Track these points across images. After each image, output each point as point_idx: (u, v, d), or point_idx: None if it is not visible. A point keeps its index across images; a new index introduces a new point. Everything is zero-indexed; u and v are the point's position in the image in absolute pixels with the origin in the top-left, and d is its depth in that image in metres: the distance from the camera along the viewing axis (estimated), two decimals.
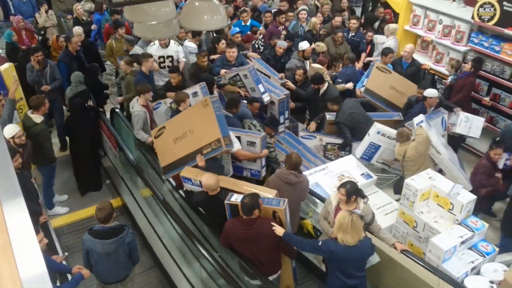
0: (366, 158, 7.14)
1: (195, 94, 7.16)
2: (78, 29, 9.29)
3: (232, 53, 8.06)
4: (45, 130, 6.83)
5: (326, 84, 7.86)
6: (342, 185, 5.07)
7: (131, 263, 5.19)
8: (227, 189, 5.31)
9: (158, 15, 4.61)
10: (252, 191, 5.10)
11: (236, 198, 4.90)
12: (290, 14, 10.29)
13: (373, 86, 8.23)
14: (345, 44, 9.49)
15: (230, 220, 5.00)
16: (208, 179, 5.27)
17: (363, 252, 4.57)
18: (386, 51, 8.68)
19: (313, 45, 9.11)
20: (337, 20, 9.96)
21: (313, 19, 9.93)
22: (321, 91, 7.87)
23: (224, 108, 6.64)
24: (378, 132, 7.01)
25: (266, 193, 5.22)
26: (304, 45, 8.64)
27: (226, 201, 4.97)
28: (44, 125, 6.76)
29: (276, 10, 10.77)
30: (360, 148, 7.19)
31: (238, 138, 6.18)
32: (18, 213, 2.11)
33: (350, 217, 4.40)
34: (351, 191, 4.97)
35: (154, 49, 8.48)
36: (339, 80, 8.53)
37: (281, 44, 8.84)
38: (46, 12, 11.31)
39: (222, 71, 7.92)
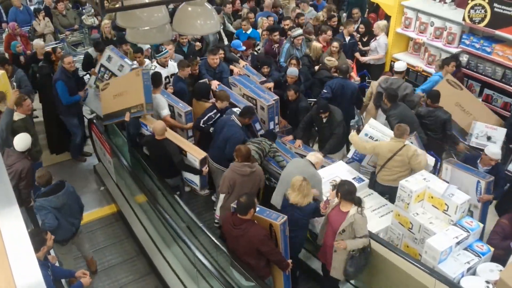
0: (357, 159, 6.98)
1: (109, 58, 7.97)
2: (39, 41, 9.27)
3: (216, 59, 8.01)
4: (22, 128, 6.74)
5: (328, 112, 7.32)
6: (340, 181, 5.23)
7: (80, 210, 5.95)
8: (170, 141, 6.43)
9: (151, 21, 4.61)
10: (185, 144, 6.54)
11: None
12: (275, 34, 9.55)
13: None
14: (342, 55, 9.12)
15: (228, 213, 5.22)
16: (157, 125, 6.39)
17: (303, 214, 5.23)
18: (448, 61, 8.15)
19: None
20: (329, 34, 9.53)
21: (316, 44, 9.06)
22: (324, 119, 7.27)
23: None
24: (366, 135, 6.71)
25: (197, 153, 6.37)
26: (402, 66, 8.10)
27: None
28: (21, 123, 6.78)
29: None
30: (351, 149, 7.08)
31: (172, 107, 7.35)
32: (13, 220, 2.10)
33: (300, 181, 5.15)
34: (339, 189, 5.03)
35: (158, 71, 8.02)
36: (324, 90, 7.92)
37: (291, 73, 8.00)
38: (44, 18, 11.27)
39: (215, 84, 7.84)
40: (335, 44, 8.93)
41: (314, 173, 5.73)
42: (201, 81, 7.91)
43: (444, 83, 7.77)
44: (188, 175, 6.74)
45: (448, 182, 5.76)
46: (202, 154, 6.42)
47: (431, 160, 6.48)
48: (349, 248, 4.99)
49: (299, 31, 9.28)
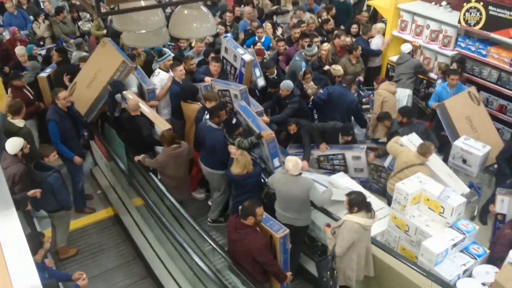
0: (391, 169, 6.76)
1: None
2: (20, 49, 8.97)
3: (218, 67, 7.97)
4: (29, 133, 6.92)
5: None
6: (348, 194, 5.10)
7: (56, 202, 6.15)
8: (143, 116, 7.00)
9: (147, 24, 4.62)
10: (152, 115, 7.10)
11: None
12: (316, 39, 9.44)
13: (450, 106, 7.56)
14: (360, 61, 9.29)
15: (233, 216, 5.23)
16: (130, 101, 6.99)
17: (248, 180, 5.92)
18: (449, 72, 8.03)
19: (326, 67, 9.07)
20: (342, 39, 9.51)
21: (325, 45, 9.29)
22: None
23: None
24: (401, 146, 6.54)
25: (162, 125, 6.93)
26: (408, 47, 9.04)
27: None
28: (27, 128, 6.88)
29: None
30: (388, 158, 6.97)
31: (140, 85, 7.76)
32: (11, 225, 2.11)
33: (239, 153, 5.89)
34: (354, 202, 4.95)
35: (162, 76, 7.95)
36: (321, 91, 7.98)
37: (285, 87, 7.76)
38: (44, 22, 11.19)
39: (208, 79, 7.80)
40: (360, 48, 9.14)
41: (307, 180, 5.65)
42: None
43: (465, 94, 7.73)
44: (159, 149, 7.21)
45: (505, 214, 5.78)
46: (167, 125, 7.00)
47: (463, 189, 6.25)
48: (326, 235, 5.14)
49: (315, 50, 8.89)
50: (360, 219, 4.88)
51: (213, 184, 6.98)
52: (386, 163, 6.98)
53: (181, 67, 7.74)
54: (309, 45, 8.95)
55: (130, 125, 7.06)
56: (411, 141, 6.53)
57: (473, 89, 7.88)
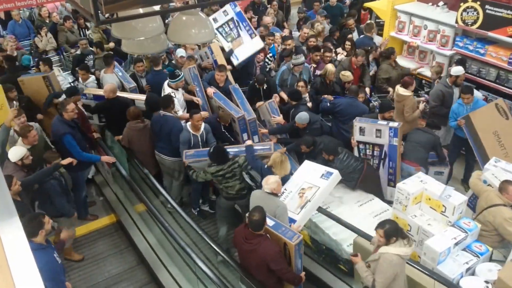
0: (471, 207, 6.13)
1: None
2: None
3: (221, 76, 8.07)
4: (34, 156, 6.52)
5: None
6: (380, 225, 4.61)
7: (54, 209, 6.08)
8: (122, 96, 7.76)
9: (146, 31, 4.64)
10: (128, 94, 7.95)
11: None
12: (328, 54, 9.06)
13: (476, 119, 7.09)
14: (398, 63, 9.13)
15: (241, 225, 4.99)
16: (108, 85, 7.69)
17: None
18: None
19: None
20: (359, 59, 8.76)
21: (329, 67, 8.46)
22: None
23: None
24: (485, 182, 5.86)
25: (142, 97, 7.76)
26: (459, 70, 7.81)
27: None
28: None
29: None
30: (469, 192, 6.27)
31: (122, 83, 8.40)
32: (14, 232, 2.13)
33: (281, 157, 5.78)
34: (390, 232, 4.52)
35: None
36: (329, 104, 7.82)
37: (300, 121, 7.16)
38: (46, 35, 10.99)
39: (210, 92, 7.88)
40: (395, 52, 9.12)
41: (278, 203, 5.31)
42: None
43: (492, 106, 7.32)
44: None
45: None
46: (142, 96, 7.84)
47: None
48: (357, 267, 4.74)
49: (302, 59, 8.58)
50: (398, 250, 4.47)
51: (175, 168, 7.26)
52: (467, 195, 6.02)
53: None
54: (297, 53, 8.70)
55: (112, 109, 7.64)
56: (495, 176, 5.78)
57: (501, 101, 7.45)
